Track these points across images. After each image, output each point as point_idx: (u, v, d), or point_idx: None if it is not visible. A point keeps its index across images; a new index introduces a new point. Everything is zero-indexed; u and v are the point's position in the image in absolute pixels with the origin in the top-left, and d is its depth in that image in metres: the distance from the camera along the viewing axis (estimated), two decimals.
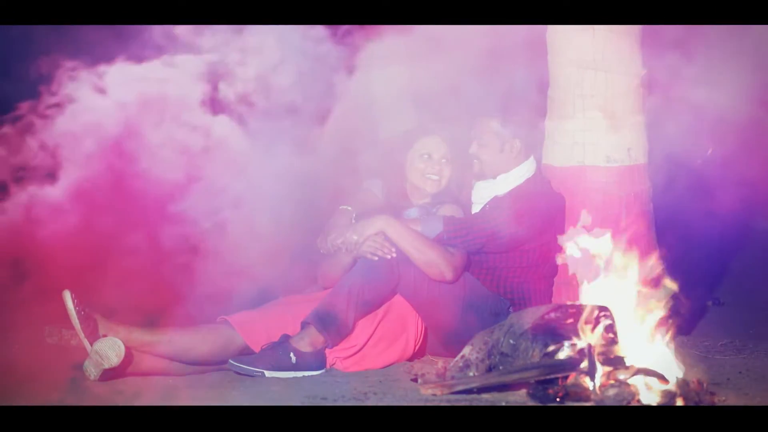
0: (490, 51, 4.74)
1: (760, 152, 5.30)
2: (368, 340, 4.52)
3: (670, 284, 4.14)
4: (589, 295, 4.18)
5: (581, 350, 3.92)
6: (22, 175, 4.62)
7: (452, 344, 4.51)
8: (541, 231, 4.67)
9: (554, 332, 4.02)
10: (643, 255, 4.31)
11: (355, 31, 4.89)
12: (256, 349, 4.42)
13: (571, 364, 3.91)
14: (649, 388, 3.86)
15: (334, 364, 4.49)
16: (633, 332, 4.05)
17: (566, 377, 3.91)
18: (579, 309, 4.05)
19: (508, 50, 4.71)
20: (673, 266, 4.47)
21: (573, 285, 4.70)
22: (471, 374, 4.12)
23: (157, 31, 4.63)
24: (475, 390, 3.99)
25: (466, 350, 4.19)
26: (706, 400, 3.86)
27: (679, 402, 3.80)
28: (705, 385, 3.92)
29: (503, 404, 3.88)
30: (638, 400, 3.83)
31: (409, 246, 4.55)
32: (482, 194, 4.79)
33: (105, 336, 4.20)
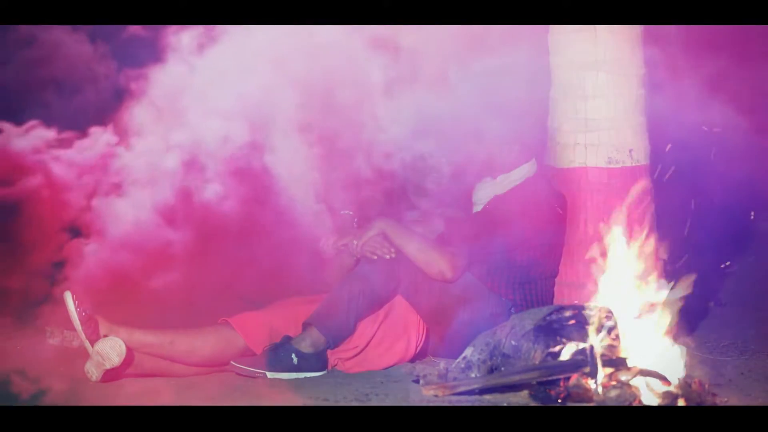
0: (491, 51, 4.73)
1: (761, 152, 5.30)
2: (370, 341, 4.51)
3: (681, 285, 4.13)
4: (592, 297, 4.18)
5: (583, 351, 3.91)
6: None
7: (454, 345, 4.50)
8: (542, 230, 4.66)
9: (556, 333, 4.02)
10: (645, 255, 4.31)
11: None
12: (258, 351, 4.42)
13: (573, 366, 3.91)
14: (650, 389, 3.85)
15: (335, 365, 4.49)
16: (635, 333, 4.05)
17: (568, 378, 3.91)
18: (581, 310, 4.05)
19: (509, 51, 4.71)
20: (675, 267, 4.47)
21: (575, 286, 4.71)
22: (473, 375, 4.11)
23: None
24: (476, 391, 3.99)
25: (468, 351, 4.19)
26: (708, 401, 3.86)
27: (681, 403, 3.79)
28: (707, 386, 3.92)
29: (505, 405, 3.88)
30: (640, 401, 3.82)
31: (410, 246, 4.55)
32: (482, 194, 4.79)
33: (106, 336, 4.21)
